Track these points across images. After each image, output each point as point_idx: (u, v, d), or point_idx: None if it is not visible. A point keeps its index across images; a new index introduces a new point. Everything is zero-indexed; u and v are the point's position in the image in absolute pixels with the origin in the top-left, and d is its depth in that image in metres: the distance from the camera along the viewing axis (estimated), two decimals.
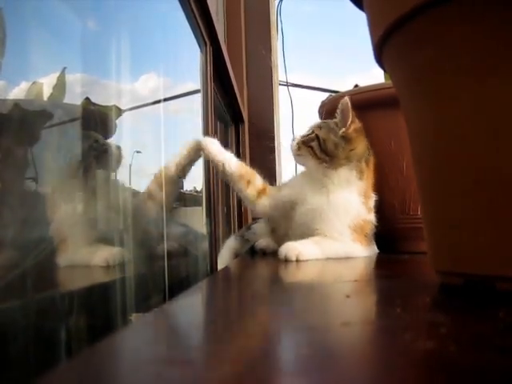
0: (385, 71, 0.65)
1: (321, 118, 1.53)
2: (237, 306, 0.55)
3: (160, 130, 1.11)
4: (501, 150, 0.43)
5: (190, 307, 0.54)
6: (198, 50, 1.37)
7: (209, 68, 1.37)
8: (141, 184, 1.11)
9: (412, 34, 0.49)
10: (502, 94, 0.43)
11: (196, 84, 1.41)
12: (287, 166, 2.93)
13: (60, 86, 0.72)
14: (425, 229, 0.58)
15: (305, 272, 0.87)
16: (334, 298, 0.56)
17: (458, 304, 0.46)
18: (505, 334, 0.33)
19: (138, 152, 0.95)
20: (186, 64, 1.41)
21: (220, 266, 1.31)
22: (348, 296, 0.55)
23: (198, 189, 1.60)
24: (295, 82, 3.14)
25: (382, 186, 1.24)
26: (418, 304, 0.48)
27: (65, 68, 0.73)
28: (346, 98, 1.13)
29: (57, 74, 0.73)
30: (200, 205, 1.43)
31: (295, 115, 2.88)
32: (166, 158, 1.16)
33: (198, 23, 1.26)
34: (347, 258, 1.08)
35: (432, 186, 0.54)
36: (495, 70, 0.43)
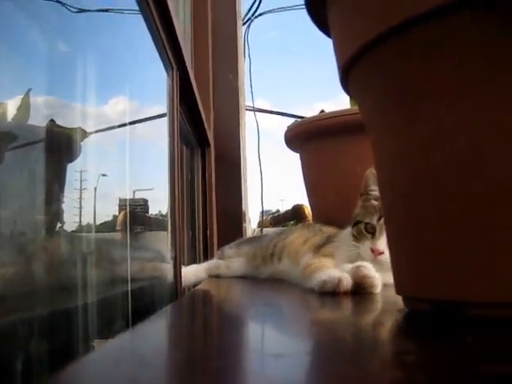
0: (350, 96, 0.66)
1: (286, 143, 1.54)
2: (202, 333, 0.54)
3: (125, 153, 1.09)
4: (469, 176, 0.44)
5: (155, 333, 0.52)
6: (165, 73, 1.36)
7: (175, 92, 1.37)
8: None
9: (377, 60, 0.50)
10: (473, 120, 0.43)
11: (162, 108, 1.41)
12: (253, 190, 2.94)
13: (24, 108, 0.71)
14: (390, 254, 0.58)
15: (266, 295, 0.87)
16: (300, 323, 0.56)
17: (425, 330, 0.46)
18: (474, 360, 0.33)
19: (103, 175, 0.93)
20: (152, 88, 1.41)
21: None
22: (312, 322, 0.54)
23: (164, 212, 1.59)
24: (262, 107, 3.16)
25: (345, 211, 1.24)
26: (385, 331, 0.48)
27: (29, 89, 0.71)
28: None
29: (21, 96, 0.72)
30: (165, 229, 1.41)
31: (261, 140, 2.90)
32: (131, 181, 1.14)
33: (164, 47, 1.26)
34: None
35: (397, 211, 0.54)
36: (465, 97, 0.44)
